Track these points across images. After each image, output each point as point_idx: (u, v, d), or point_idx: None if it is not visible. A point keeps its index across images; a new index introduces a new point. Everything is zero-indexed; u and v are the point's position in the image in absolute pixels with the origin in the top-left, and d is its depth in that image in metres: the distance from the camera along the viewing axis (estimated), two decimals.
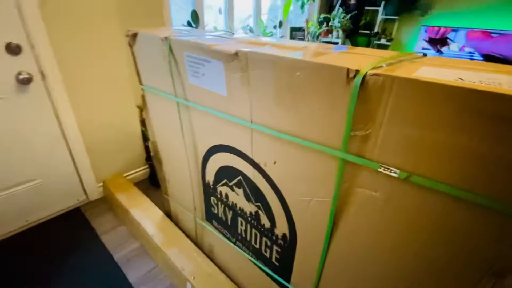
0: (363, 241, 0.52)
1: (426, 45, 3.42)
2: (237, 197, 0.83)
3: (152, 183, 1.74)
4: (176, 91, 0.82)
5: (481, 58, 3.09)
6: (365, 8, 3.68)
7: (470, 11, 3.18)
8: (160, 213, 1.35)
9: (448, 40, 3.24)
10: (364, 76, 0.39)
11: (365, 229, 0.51)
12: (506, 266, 0.36)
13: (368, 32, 3.65)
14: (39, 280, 1.12)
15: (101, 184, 1.60)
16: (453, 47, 3.24)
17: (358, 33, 3.78)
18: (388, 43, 3.74)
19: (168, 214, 1.35)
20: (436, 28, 3.28)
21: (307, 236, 0.65)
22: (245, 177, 0.75)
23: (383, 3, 3.49)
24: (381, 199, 0.45)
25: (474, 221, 0.36)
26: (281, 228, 0.72)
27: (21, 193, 1.31)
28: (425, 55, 0.55)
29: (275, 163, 0.63)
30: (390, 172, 0.41)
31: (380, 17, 3.59)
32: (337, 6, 3.25)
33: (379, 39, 3.74)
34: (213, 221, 1.03)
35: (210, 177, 0.91)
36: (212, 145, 0.82)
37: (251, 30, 3.13)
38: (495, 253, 0.36)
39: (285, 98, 0.52)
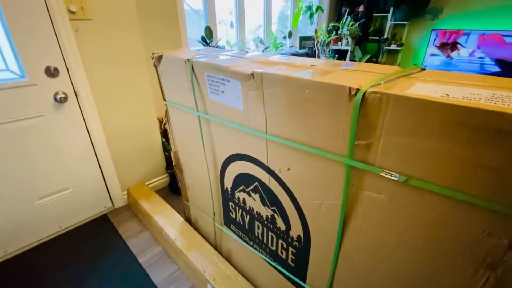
0: (372, 240, 0.57)
1: (436, 51, 3.41)
2: (254, 202, 0.90)
3: (172, 191, 1.83)
4: (198, 106, 0.91)
5: (493, 63, 3.05)
6: (374, 15, 3.73)
7: (481, 12, 3.15)
8: (180, 219, 1.43)
9: (458, 46, 3.22)
10: (364, 94, 0.45)
11: (373, 228, 0.56)
12: (498, 260, 0.40)
13: (378, 38, 3.67)
14: (71, 282, 1.22)
15: (125, 192, 1.71)
16: (463, 52, 3.21)
17: (368, 39, 3.82)
18: (398, 48, 3.75)
19: (188, 220, 1.43)
20: (448, 33, 3.26)
21: (320, 237, 0.70)
22: (261, 183, 0.82)
23: (392, 9, 3.53)
24: (385, 200, 0.51)
25: (465, 218, 0.41)
26: (296, 230, 0.77)
27: (55, 202, 1.43)
28: (423, 69, 0.61)
29: (288, 169, 0.70)
30: (391, 176, 0.46)
31: (389, 23, 3.62)
32: (345, 14, 3.32)
33: (389, 44, 3.77)
34: (231, 226, 1.10)
35: (228, 183, 0.99)
36: (230, 154, 0.90)
37: (261, 42, 3.25)
38: (488, 247, 0.41)
39: (296, 112, 0.59)
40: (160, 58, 0.99)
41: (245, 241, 1.04)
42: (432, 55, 3.47)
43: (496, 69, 3.06)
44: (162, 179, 1.88)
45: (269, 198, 0.82)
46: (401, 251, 0.52)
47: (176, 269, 1.28)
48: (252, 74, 0.64)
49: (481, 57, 3.13)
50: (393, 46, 3.75)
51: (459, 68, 3.30)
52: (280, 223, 0.82)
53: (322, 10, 3.24)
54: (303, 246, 0.77)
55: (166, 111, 1.14)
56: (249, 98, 0.69)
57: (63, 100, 1.29)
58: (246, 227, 1.00)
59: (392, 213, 0.51)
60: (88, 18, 1.27)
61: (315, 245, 0.73)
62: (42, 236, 1.44)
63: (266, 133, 0.70)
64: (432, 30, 3.40)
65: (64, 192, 1.45)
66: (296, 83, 0.56)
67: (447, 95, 0.40)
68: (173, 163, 1.27)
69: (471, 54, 3.19)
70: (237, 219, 1.04)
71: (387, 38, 3.66)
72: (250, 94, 0.68)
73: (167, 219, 1.43)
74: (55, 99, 1.28)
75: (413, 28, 3.68)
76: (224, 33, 2.92)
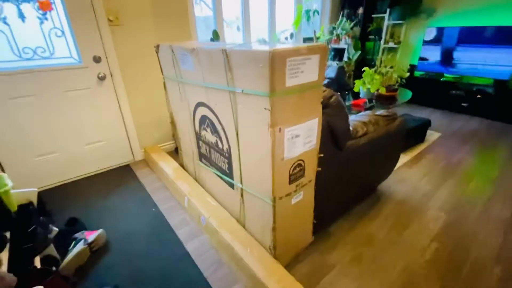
0: (248, 140, 1.06)
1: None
2: (208, 134, 1.42)
3: (176, 152, 2.42)
4: (176, 75, 1.47)
5: None
6: (373, 16, 4.04)
7: (474, 10, 3.33)
8: (176, 164, 2.00)
9: None
10: (226, 51, 0.96)
11: (246, 131, 1.05)
12: (276, 128, 0.88)
13: (374, 37, 3.98)
14: (103, 199, 1.84)
15: (143, 150, 2.34)
16: None
17: (367, 38, 4.14)
18: (396, 46, 4.01)
19: (182, 165, 2.00)
20: None
21: (233, 145, 1.20)
22: (209, 119, 1.34)
23: (388, 10, 3.83)
24: (243, 108, 1.00)
25: (261, 104, 0.90)
26: (226, 145, 1.28)
27: (95, 148, 2.10)
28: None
29: (216, 104, 1.21)
30: (239, 91, 0.96)
31: (386, 22, 3.91)
32: (341, 16, 3.70)
33: (387, 42, 4.04)
34: (202, 159, 1.63)
35: (197, 126, 1.52)
36: (195, 103, 1.43)
37: (265, 42, 3.77)
38: (267, 118, 0.89)
39: (211, 65, 1.11)
40: (158, 46, 1.57)
41: (208, 167, 1.57)
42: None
43: None
44: (170, 144, 2.49)
45: (213, 128, 1.34)
46: (261, 144, 1.01)
47: (169, 194, 1.85)
48: (193, 49, 1.18)
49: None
50: (391, 44, 4.02)
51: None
52: (220, 144, 1.33)
53: (318, 13, 3.66)
54: (229, 155, 1.27)
55: (164, 83, 1.72)
56: (194, 63, 1.23)
57: (103, 78, 1.95)
58: (208, 156, 1.53)
59: (247, 116, 1.00)
60: (119, 24, 1.92)
61: (233, 152, 1.23)
62: (87, 171, 2.11)
63: (204, 81, 1.22)
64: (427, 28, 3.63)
65: (100, 142, 2.11)
66: (207, 51, 1.08)
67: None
68: (170, 120, 1.84)
69: None
70: (204, 152, 1.57)
71: (381, 37, 3.95)
72: (195, 60, 1.21)
73: (167, 163, 2.01)
74: (98, 77, 1.94)
75: (410, 27, 3.92)
76: (231, 36, 3.50)
